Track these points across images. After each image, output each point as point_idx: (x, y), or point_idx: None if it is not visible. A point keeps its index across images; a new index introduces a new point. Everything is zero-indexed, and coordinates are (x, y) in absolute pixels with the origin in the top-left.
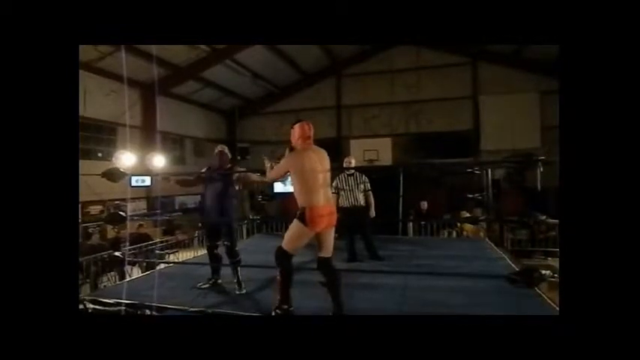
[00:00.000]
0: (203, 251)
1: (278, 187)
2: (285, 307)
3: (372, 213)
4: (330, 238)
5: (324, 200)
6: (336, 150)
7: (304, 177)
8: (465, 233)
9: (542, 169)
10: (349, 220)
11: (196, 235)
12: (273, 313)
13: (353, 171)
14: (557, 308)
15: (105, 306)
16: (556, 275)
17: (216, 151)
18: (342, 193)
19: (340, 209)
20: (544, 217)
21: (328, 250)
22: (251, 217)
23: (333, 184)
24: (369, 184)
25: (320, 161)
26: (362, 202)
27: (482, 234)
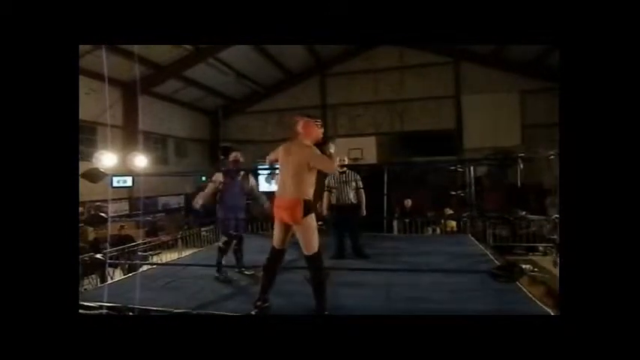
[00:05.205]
0: (187, 252)
1: (263, 187)
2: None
3: (363, 211)
4: (300, 235)
5: (278, 192)
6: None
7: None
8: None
9: (522, 166)
10: (340, 217)
11: (179, 235)
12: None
13: (345, 169)
14: (538, 302)
15: (86, 309)
16: (536, 270)
17: (231, 157)
18: (333, 190)
19: (332, 207)
20: (524, 213)
21: (305, 247)
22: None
23: (326, 181)
24: (361, 182)
25: (293, 153)
26: (353, 200)
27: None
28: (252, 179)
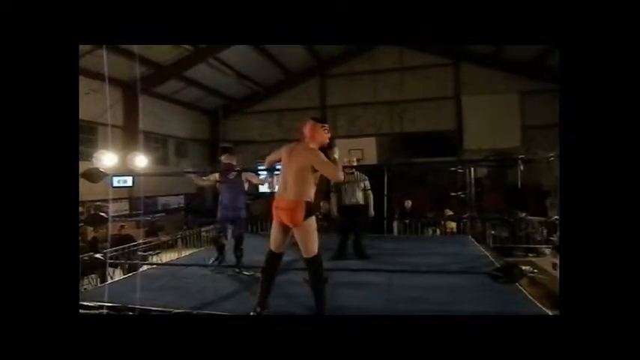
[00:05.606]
0: (187, 252)
1: (263, 187)
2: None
3: (372, 212)
4: (300, 237)
5: (278, 193)
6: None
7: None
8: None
9: (522, 168)
10: (347, 218)
11: (179, 235)
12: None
13: (353, 170)
14: (538, 303)
15: (86, 309)
16: (536, 271)
17: (222, 159)
18: (341, 191)
19: (339, 208)
20: (524, 215)
21: (304, 250)
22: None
23: (332, 182)
24: (368, 184)
25: (296, 155)
26: (360, 200)
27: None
28: (248, 174)
